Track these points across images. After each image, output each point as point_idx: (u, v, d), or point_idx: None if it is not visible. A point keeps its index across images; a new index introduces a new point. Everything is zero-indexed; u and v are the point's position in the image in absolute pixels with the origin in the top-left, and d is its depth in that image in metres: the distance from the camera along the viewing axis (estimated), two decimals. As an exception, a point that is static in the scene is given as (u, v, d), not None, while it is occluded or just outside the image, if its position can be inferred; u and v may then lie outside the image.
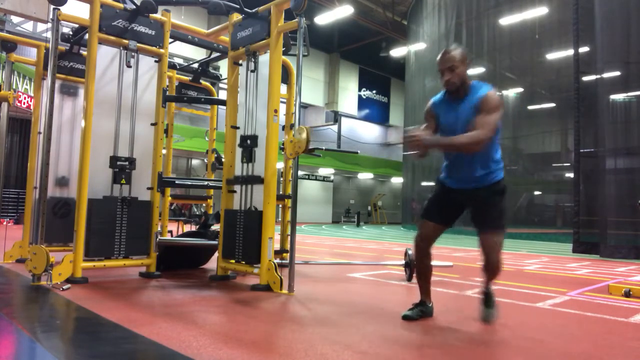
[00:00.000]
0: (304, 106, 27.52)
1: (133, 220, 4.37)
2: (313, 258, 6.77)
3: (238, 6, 4.47)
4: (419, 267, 3.16)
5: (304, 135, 3.71)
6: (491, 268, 2.87)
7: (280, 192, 5.26)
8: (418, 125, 2.97)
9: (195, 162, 23.23)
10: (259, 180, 4.16)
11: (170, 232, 5.88)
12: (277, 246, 4.77)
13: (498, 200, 2.87)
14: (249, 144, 4.34)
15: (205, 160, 14.03)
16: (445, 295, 4.06)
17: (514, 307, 3.62)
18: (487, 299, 3.01)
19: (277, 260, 4.27)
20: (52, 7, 4.12)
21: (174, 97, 5.77)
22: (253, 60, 4.45)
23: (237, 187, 4.50)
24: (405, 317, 3.07)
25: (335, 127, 28.14)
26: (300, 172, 18.24)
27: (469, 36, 17.64)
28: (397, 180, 30.97)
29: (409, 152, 2.90)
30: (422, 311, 3.12)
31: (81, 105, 5.23)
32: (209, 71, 6.27)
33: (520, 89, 18.66)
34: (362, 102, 31.57)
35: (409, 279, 4.77)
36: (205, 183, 5.40)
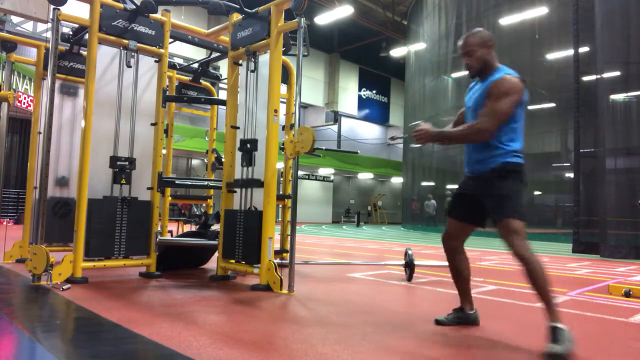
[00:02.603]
0: (304, 106, 27.53)
1: (133, 220, 4.37)
2: (313, 258, 6.76)
3: (238, 6, 4.47)
4: (450, 267, 2.93)
5: (310, 135, 3.69)
6: (524, 269, 2.48)
7: (280, 192, 5.26)
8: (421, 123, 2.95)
9: (195, 162, 23.23)
10: (259, 183, 4.16)
11: (170, 232, 5.88)
12: (277, 246, 4.77)
13: (500, 184, 2.60)
14: (248, 148, 4.34)
15: (205, 160, 14.04)
16: (446, 296, 4.06)
17: (514, 307, 3.62)
18: (553, 333, 2.34)
19: (277, 260, 4.27)
20: (52, 7, 4.12)
21: (174, 97, 5.77)
22: (253, 60, 4.45)
23: (236, 190, 4.50)
24: (438, 322, 2.89)
25: (335, 127, 28.17)
26: (300, 172, 18.22)
27: (469, 36, 17.61)
28: (397, 180, 30.98)
29: (416, 145, 2.89)
30: (458, 317, 2.88)
31: (81, 105, 5.23)
32: (209, 71, 6.26)
33: (520, 89, 18.60)
34: (362, 102, 31.58)
35: (409, 279, 4.77)
36: (205, 183, 5.40)
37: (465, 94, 2.94)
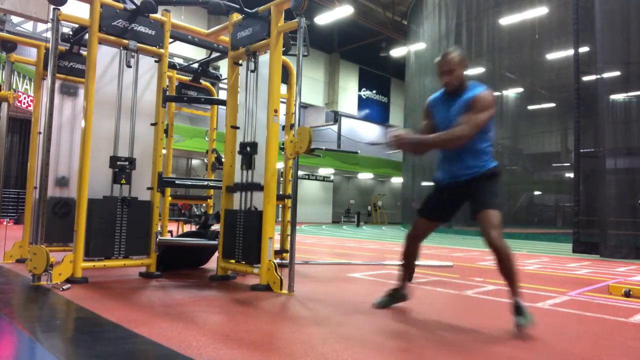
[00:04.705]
0: (304, 106, 27.52)
1: (133, 220, 4.37)
2: (313, 258, 6.77)
3: (238, 6, 4.47)
4: (405, 258, 3.34)
5: (306, 135, 3.71)
6: (498, 257, 2.76)
7: (280, 192, 5.26)
8: (412, 125, 3.09)
9: (195, 162, 23.23)
10: (259, 187, 4.16)
11: (170, 232, 5.88)
12: (277, 246, 4.77)
13: (490, 183, 2.95)
14: (248, 151, 4.34)
15: (205, 160, 14.03)
16: (446, 296, 4.07)
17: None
18: (517, 309, 2.79)
19: (277, 260, 4.27)
20: (52, 7, 4.11)
21: (174, 97, 5.77)
22: (253, 60, 4.45)
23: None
24: (378, 306, 3.32)
25: (335, 127, 28.17)
26: (300, 172, 18.23)
27: (469, 36, 17.64)
28: (397, 180, 30.97)
29: (391, 151, 3.08)
30: (396, 298, 3.38)
31: (81, 105, 5.23)
32: (209, 71, 6.27)
33: (520, 89, 18.67)
34: (362, 102, 31.58)
35: (410, 279, 4.76)
36: (205, 183, 5.40)
37: (430, 109, 3.19)
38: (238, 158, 4.47)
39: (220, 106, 5.65)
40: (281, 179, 5.59)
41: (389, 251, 8.87)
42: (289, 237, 4.03)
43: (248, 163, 4.33)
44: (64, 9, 4.15)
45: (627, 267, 6.94)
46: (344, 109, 29.63)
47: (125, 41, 4.39)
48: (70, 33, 5.27)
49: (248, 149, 4.34)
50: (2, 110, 5.34)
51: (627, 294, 4.15)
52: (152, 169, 4.57)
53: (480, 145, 2.97)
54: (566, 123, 15.86)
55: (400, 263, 3.37)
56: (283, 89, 4.90)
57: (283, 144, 4.05)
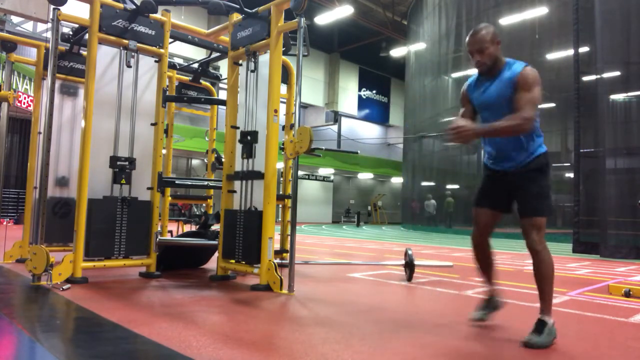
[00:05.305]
0: (304, 106, 27.53)
1: (133, 220, 4.37)
2: (313, 258, 6.76)
3: (238, 6, 4.47)
4: (480, 264, 3.00)
5: (307, 135, 3.71)
6: (535, 261, 2.65)
7: (280, 192, 5.26)
8: (457, 116, 2.86)
9: (195, 162, 23.23)
10: (259, 175, 4.16)
11: (170, 232, 5.88)
12: (277, 246, 4.77)
13: (537, 180, 2.70)
14: (249, 140, 4.34)
15: (205, 160, 14.03)
16: (446, 296, 4.07)
17: (515, 307, 3.62)
18: (537, 325, 2.58)
19: (277, 260, 4.27)
20: (52, 7, 4.12)
21: (174, 97, 5.77)
22: (253, 60, 4.45)
23: (237, 186, 4.50)
24: (478, 319, 2.97)
25: (335, 127, 28.16)
26: (300, 172, 18.15)
27: (469, 36, 17.61)
28: (397, 180, 30.97)
29: (452, 143, 2.86)
30: (492, 306, 3.03)
31: (81, 105, 5.23)
32: (209, 71, 6.27)
33: (520, 89, 18.66)
34: (362, 102, 31.59)
35: (409, 279, 4.77)
36: (205, 183, 5.40)
37: (468, 93, 2.93)
38: (238, 147, 4.48)
39: (220, 106, 5.65)
40: (281, 179, 5.59)
41: (389, 251, 8.87)
42: (289, 237, 4.03)
43: (249, 151, 4.34)
44: (64, 9, 4.15)
45: (627, 267, 6.94)
46: (344, 109, 29.64)
47: (125, 41, 4.39)
48: (70, 33, 5.27)
49: (249, 137, 4.35)
50: (2, 110, 5.34)
51: (627, 294, 4.16)
52: (152, 169, 4.57)
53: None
54: (566, 123, 15.84)
55: (477, 268, 3.04)
56: (283, 89, 4.90)
57: (283, 144, 4.04)
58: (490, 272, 3.02)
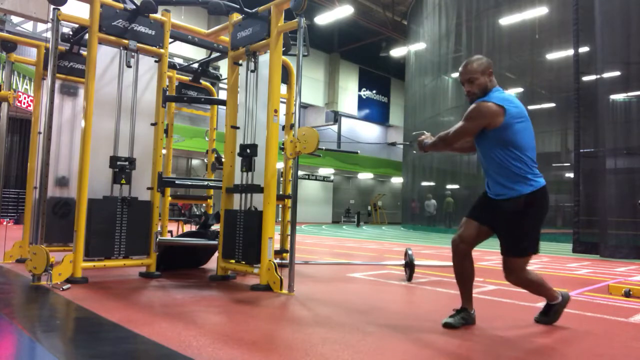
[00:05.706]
0: (304, 106, 27.53)
1: (133, 220, 4.37)
2: (313, 258, 6.77)
3: (238, 6, 4.47)
4: (458, 271, 2.90)
5: (314, 137, 3.71)
6: (524, 289, 2.95)
7: (280, 192, 5.26)
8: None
9: (195, 162, 23.23)
10: (259, 189, 4.16)
11: (170, 232, 5.88)
12: (277, 246, 4.77)
13: (520, 219, 2.71)
14: (248, 153, 4.34)
15: (205, 160, 14.03)
16: (446, 296, 4.06)
17: (515, 307, 3.62)
18: (545, 308, 3.04)
19: (277, 260, 4.27)
20: (52, 7, 4.12)
21: (174, 97, 5.77)
22: (253, 60, 4.45)
23: (236, 199, 4.49)
24: (446, 325, 2.82)
25: (335, 127, 28.17)
26: (300, 172, 18.14)
27: (468, 36, 17.63)
28: (397, 180, 30.99)
29: (417, 152, 3.31)
30: (463, 318, 2.86)
31: (81, 105, 5.23)
32: (209, 71, 6.27)
33: (520, 89, 18.67)
34: (362, 102, 31.59)
35: (409, 279, 4.77)
36: (205, 183, 5.40)
37: None
38: (238, 160, 4.47)
39: (220, 106, 5.65)
40: (281, 179, 5.59)
41: (389, 251, 8.87)
42: (289, 237, 4.03)
43: (248, 165, 4.33)
44: (64, 9, 4.15)
45: (627, 267, 6.93)
46: (344, 109, 29.64)
47: (125, 41, 4.39)
48: (70, 33, 5.27)
49: (248, 150, 4.34)
50: (2, 110, 5.34)
51: (627, 294, 4.15)
52: (152, 169, 4.57)
53: (512, 164, 2.71)
54: (566, 123, 15.84)
55: (456, 279, 2.95)
56: (283, 89, 4.90)
57: (283, 144, 4.04)
58: (467, 285, 2.91)
